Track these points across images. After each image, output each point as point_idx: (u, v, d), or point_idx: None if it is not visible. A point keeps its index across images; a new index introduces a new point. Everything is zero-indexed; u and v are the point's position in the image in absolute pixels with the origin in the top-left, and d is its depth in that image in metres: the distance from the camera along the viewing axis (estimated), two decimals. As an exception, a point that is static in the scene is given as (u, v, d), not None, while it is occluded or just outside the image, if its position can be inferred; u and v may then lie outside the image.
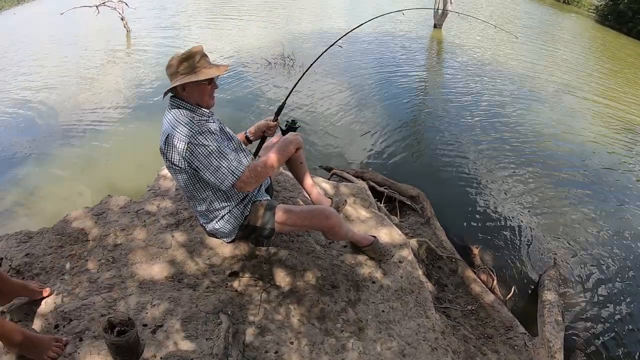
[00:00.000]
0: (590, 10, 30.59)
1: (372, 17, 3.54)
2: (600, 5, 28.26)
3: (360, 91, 8.95)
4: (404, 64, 11.19)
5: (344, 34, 3.17)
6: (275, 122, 2.67)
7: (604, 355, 3.47)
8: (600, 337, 3.64)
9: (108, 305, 2.10)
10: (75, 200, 5.02)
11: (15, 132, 7.54)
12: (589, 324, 3.75)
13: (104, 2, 16.38)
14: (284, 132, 2.63)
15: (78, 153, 6.67)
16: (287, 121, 2.67)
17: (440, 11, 15.77)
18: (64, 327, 1.97)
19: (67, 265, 2.39)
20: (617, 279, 4.28)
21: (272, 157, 2.22)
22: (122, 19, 16.44)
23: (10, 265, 2.33)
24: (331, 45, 3.10)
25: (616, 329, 3.74)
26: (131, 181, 4.78)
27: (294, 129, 2.65)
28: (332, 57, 11.46)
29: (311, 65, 3.04)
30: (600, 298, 4.04)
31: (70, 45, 16.54)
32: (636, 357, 3.49)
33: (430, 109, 8.29)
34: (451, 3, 15.27)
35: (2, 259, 2.39)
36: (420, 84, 9.81)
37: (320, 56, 3.06)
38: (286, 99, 2.75)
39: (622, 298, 4.06)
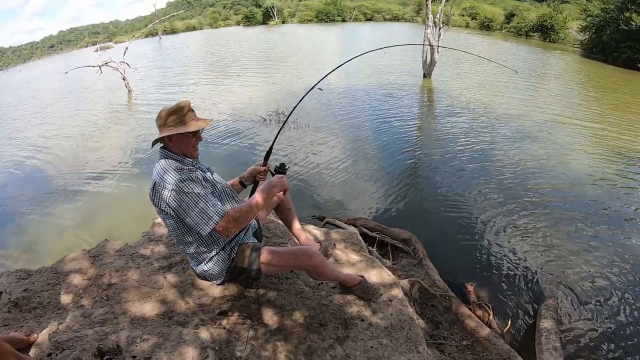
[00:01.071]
0: (575, 46, 31.90)
1: (350, 58, 3.81)
2: (585, 39, 29.51)
3: (353, 141, 9.37)
4: (395, 113, 11.77)
5: (323, 76, 3.42)
6: (264, 167, 2.91)
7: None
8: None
9: (100, 337, 2.27)
10: (76, 249, 5.37)
11: (20, 185, 8.04)
12: (590, 352, 3.82)
13: (106, 63, 17.36)
14: (273, 176, 2.82)
15: (80, 205, 7.17)
16: (277, 165, 2.88)
17: (428, 61, 16.54)
18: (56, 355, 2.15)
19: (63, 301, 2.57)
20: (617, 306, 4.38)
21: (254, 201, 2.43)
22: (123, 79, 17.30)
23: (9, 299, 2.54)
24: (311, 89, 3.33)
25: (617, 355, 3.81)
26: (129, 230, 5.05)
27: (283, 172, 2.85)
28: (324, 109, 12.05)
29: (294, 108, 3.30)
30: (601, 326, 4.13)
31: (73, 103, 17.44)
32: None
33: (421, 154, 8.66)
34: (438, 52, 16.11)
35: (1, 292, 2.60)
36: (410, 131, 10.23)
37: (301, 99, 3.32)
38: (273, 143, 2.99)
39: (622, 324, 4.14)
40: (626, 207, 6.51)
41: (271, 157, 2.98)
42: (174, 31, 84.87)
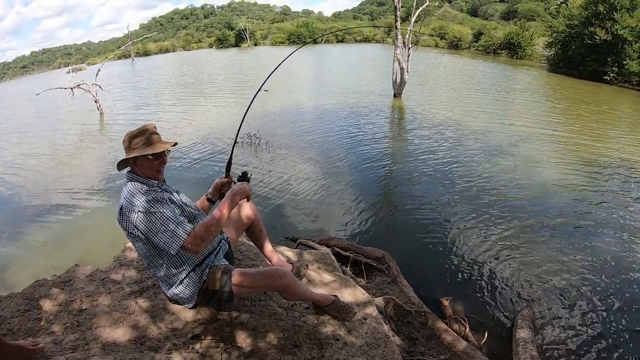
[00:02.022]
0: (542, 61, 33.10)
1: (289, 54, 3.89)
2: (551, 55, 30.67)
3: (325, 162, 9.53)
4: (367, 132, 12.05)
5: (266, 78, 3.49)
6: (227, 179, 2.95)
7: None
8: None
9: (71, 364, 2.26)
10: (47, 274, 5.36)
11: None
12: (568, 358, 3.95)
13: (78, 85, 17.23)
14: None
15: (51, 229, 7.13)
16: (239, 175, 2.90)
17: (398, 81, 16.95)
18: (27, 381, 2.14)
19: (34, 328, 2.55)
20: (591, 311, 4.55)
21: (217, 212, 2.48)
22: (95, 102, 17.19)
23: (-23, 326, 2.51)
24: (257, 92, 3.42)
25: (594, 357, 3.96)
26: (100, 254, 5.03)
27: (246, 180, 2.87)
28: (296, 130, 12.21)
29: (246, 112, 3.32)
30: (577, 332, 4.28)
31: (44, 125, 17.21)
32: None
33: (393, 173, 8.87)
34: (408, 72, 16.54)
35: None
36: (382, 150, 10.47)
37: (250, 104, 3.37)
38: (232, 153, 3.02)
39: (598, 329, 4.30)
40: (595, 213, 6.80)
41: (246, 169, 3.01)
42: (146, 53, 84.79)
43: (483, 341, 4.06)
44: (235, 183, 2.84)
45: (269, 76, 3.49)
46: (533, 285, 4.99)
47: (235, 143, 3.13)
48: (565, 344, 4.12)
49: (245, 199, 2.70)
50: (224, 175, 2.98)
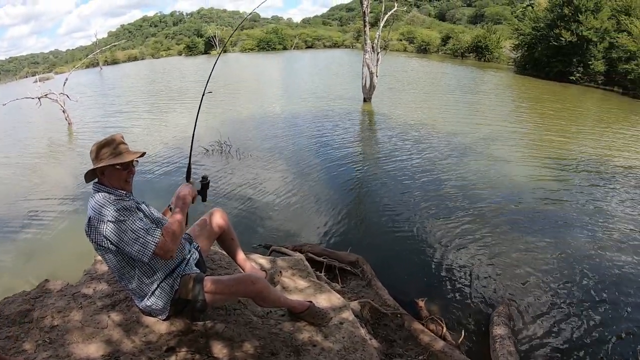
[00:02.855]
0: (509, 64, 34.03)
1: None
2: (517, 57, 31.56)
3: (297, 168, 9.56)
4: (337, 137, 12.15)
5: (207, 81, 3.44)
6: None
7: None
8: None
9: (45, 383, 2.21)
10: (16, 290, 5.23)
11: None
12: (545, 352, 4.06)
13: (45, 95, 16.83)
14: (200, 192, 2.84)
15: (19, 244, 6.94)
16: (199, 180, 2.89)
17: (367, 85, 17.14)
18: (-1, 401, 2.08)
19: (5, 346, 2.48)
20: (565, 305, 4.69)
21: (175, 215, 2.49)
22: (63, 112, 16.80)
23: (-53, 346, 2.43)
24: (202, 97, 3.32)
25: (572, 349, 4.09)
26: (71, 269, 4.90)
27: (207, 184, 2.87)
28: (267, 137, 12.23)
29: (196, 120, 3.31)
30: (553, 326, 4.40)
31: (12, 136, 16.72)
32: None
33: (365, 177, 8.95)
34: (377, 77, 16.74)
35: None
36: (353, 155, 10.58)
37: (199, 110, 3.28)
38: (190, 160, 2.97)
39: (573, 322, 4.44)
40: (564, 207, 7.07)
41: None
42: (115, 61, 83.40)
43: (460, 340, 4.13)
44: (197, 190, 2.84)
45: (209, 78, 3.48)
46: (508, 281, 5.10)
47: (192, 149, 3.11)
48: (542, 338, 4.23)
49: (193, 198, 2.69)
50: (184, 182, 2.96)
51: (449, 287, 5.05)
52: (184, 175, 2.91)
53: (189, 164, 2.95)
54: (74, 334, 2.61)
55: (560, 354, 4.03)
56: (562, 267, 5.36)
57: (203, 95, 3.30)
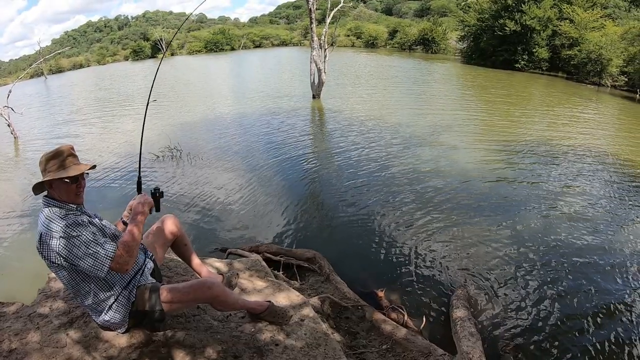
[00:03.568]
0: (455, 55, 35.02)
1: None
2: (464, 48, 32.53)
3: (249, 169, 9.53)
4: (288, 136, 12.19)
5: (150, 90, 3.45)
6: None
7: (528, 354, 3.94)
8: (522, 337, 4.14)
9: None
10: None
11: None
12: (505, 331, 4.23)
13: None
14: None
15: None
16: (151, 190, 2.84)
17: (316, 82, 17.23)
18: None
19: None
20: (521, 284, 4.91)
21: (132, 227, 2.44)
22: (8, 125, 16.08)
23: None
24: (147, 105, 3.40)
25: (532, 325, 4.29)
26: (24, 289, 4.71)
27: (160, 195, 2.83)
28: (218, 140, 12.11)
29: (142, 130, 3.28)
30: (510, 305, 4.59)
31: None
32: (554, 347, 4.00)
33: (317, 173, 9.03)
34: (325, 73, 16.83)
35: None
36: (305, 152, 10.64)
37: (144, 119, 3.30)
38: (139, 172, 2.95)
39: (529, 300, 4.65)
40: (515, 192, 7.37)
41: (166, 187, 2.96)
42: (60, 70, 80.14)
43: (422, 325, 4.26)
44: None
45: (152, 88, 3.47)
46: (464, 264, 5.29)
47: (140, 160, 3.06)
48: (501, 317, 4.41)
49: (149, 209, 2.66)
50: (136, 194, 2.92)
51: (407, 275, 5.17)
52: (135, 187, 2.89)
53: (139, 176, 2.92)
54: (34, 356, 2.54)
55: (519, 331, 4.21)
56: (516, 246, 5.62)
57: (147, 104, 3.27)
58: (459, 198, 7.15)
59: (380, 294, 4.63)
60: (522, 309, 4.52)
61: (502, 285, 4.90)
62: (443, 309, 4.55)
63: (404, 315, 4.28)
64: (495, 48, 27.73)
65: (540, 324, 4.30)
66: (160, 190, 2.85)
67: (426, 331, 4.23)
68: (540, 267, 5.18)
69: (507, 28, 26.34)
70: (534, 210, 6.67)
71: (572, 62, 23.92)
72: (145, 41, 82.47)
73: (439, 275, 5.13)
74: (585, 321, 4.32)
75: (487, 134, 10.92)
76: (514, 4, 26.58)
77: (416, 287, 4.94)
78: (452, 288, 4.85)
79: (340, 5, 19.22)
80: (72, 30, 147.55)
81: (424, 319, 4.35)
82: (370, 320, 4.07)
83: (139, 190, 2.88)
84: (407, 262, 5.44)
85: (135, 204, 2.60)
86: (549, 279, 4.96)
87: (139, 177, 2.91)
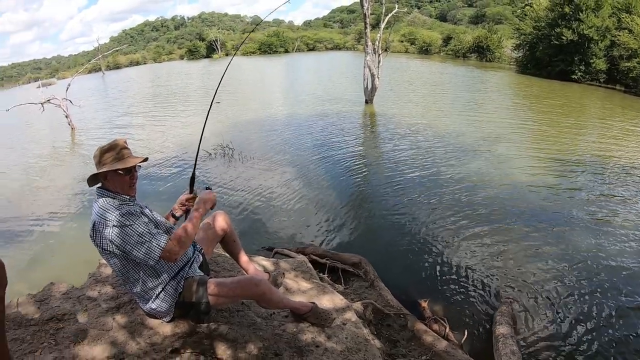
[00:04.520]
0: (510, 63, 33.97)
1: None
2: (519, 56, 31.52)
3: (299, 171, 9.58)
4: (340, 140, 12.16)
5: (215, 90, 3.51)
6: (191, 194, 2.95)
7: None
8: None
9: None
10: (21, 294, 5.28)
11: None
12: (547, 351, 4.06)
13: (48, 100, 16.91)
14: None
15: (24, 249, 6.99)
16: (203, 189, 2.89)
17: (369, 87, 17.14)
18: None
19: (11, 349, 2.50)
20: (567, 304, 4.69)
21: (189, 221, 2.52)
22: (66, 117, 16.89)
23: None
24: (210, 106, 3.38)
25: (574, 349, 4.09)
26: (75, 272, 4.94)
27: None
28: (269, 140, 12.25)
29: (204, 125, 3.34)
30: (555, 325, 4.40)
31: (15, 142, 16.82)
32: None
33: (367, 178, 8.98)
34: (378, 78, 16.75)
35: None
36: (355, 157, 10.59)
37: (207, 117, 3.38)
38: (194, 169, 3.06)
39: (575, 321, 4.44)
40: (568, 210, 7.00)
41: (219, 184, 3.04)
42: (117, 66, 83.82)
43: (463, 339, 4.14)
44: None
45: (217, 88, 3.52)
46: (511, 281, 5.11)
47: (197, 158, 3.15)
48: (545, 338, 4.23)
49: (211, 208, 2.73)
50: (187, 190, 2.99)
51: (452, 287, 5.06)
52: (188, 184, 2.98)
53: (193, 173, 3.01)
54: (79, 336, 2.64)
55: (562, 354, 4.03)
56: (565, 267, 5.36)
57: (211, 105, 3.35)
58: (508, 210, 6.92)
59: (424, 304, 4.56)
60: (566, 331, 4.32)
61: (547, 305, 4.70)
62: (486, 324, 4.42)
63: (445, 328, 4.19)
64: (552, 58, 26.64)
65: (584, 347, 4.10)
66: (211, 189, 2.90)
67: (467, 345, 4.11)
68: (590, 290, 4.91)
69: (563, 37, 25.27)
70: (584, 228, 6.36)
71: (630, 75, 22.77)
72: (201, 41, 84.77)
73: (483, 289, 4.99)
74: (636, 350, 4.08)
75: (539, 145, 10.54)
76: (571, 12, 25.45)
77: (460, 299, 4.83)
78: (497, 304, 4.70)
79: (394, 11, 19.07)
80: (130, 28, 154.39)
81: (466, 332, 4.23)
82: (411, 329, 4.01)
83: (192, 186, 2.97)
84: (452, 273, 5.32)
85: (201, 197, 2.68)
86: (597, 303, 4.69)
87: (193, 174, 3.00)
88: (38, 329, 2.72)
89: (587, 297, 4.80)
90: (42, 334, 2.67)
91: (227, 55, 77.03)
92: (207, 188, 2.87)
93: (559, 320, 4.47)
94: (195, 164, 3.12)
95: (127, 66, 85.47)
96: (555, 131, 11.88)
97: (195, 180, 3.01)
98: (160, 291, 2.54)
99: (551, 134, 11.66)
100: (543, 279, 5.14)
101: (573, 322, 4.43)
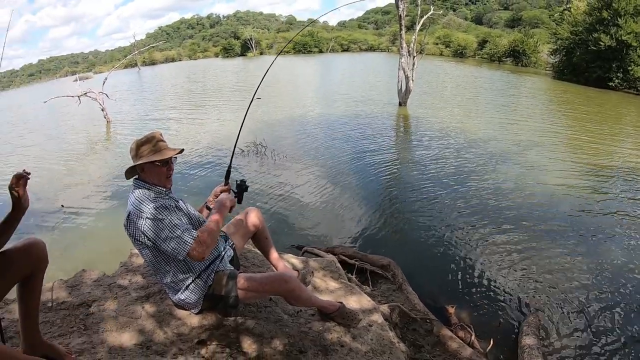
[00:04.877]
0: (546, 69, 33.07)
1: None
2: (555, 62, 30.66)
3: (331, 170, 9.58)
4: (372, 141, 12.08)
5: (257, 86, 3.56)
6: (226, 187, 2.97)
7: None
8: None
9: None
10: (53, 279, 5.42)
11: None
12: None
13: (85, 93, 17.42)
14: (236, 194, 2.91)
15: (57, 235, 7.19)
16: (237, 181, 2.95)
17: (403, 89, 17.00)
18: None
19: (40, 331, 2.57)
20: (596, 319, 4.53)
21: (212, 221, 2.53)
22: (102, 110, 17.38)
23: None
24: (251, 101, 3.44)
25: None
26: (107, 260, 5.05)
27: (245, 188, 2.93)
28: (302, 139, 12.29)
29: (242, 122, 3.36)
30: (583, 340, 4.25)
31: (52, 133, 17.40)
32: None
33: (398, 181, 8.89)
34: (413, 81, 16.59)
35: None
36: (387, 159, 10.49)
37: (247, 111, 3.41)
38: (230, 162, 3.07)
39: (603, 336, 4.28)
40: (601, 220, 6.78)
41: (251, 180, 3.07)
42: (153, 62, 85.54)
43: (489, 348, 4.06)
44: (233, 191, 2.91)
45: (260, 83, 3.61)
46: (539, 292, 4.97)
47: (234, 151, 3.18)
48: (571, 352, 4.10)
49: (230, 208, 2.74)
50: (223, 182, 3.02)
51: (479, 294, 4.96)
52: (224, 176, 3.01)
53: (229, 166, 3.04)
54: (109, 323, 2.69)
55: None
56: (596, 281, 5.17)
57: (252, 100, 3.39)
58: (540, 220, 6.73)
59: (451, 310, 4.48)
60: (594, 346, 4.16)
61: (576, 317, 4.55)
62: (512, 334, 4.31)
63: (471, 335, 4.11)
64: (589, 64, 25.70)
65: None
66: (246, 184, 2.94)
67: (492, 354, 4.01)
68: (620, 304, 4.72)
69: (601, 43, 24.36)
70: (616, 239, 6.12)
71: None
72: (236, 39, 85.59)
73: (511, 298, 4.87)
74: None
75: (577, 156, 10.21)
76: (609, 17, 24.55)
77: (487, 307, 4.72)
78: (524, 314, 4.58)
79: (430, 13, 18.84)
80: (166, 25, 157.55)
81: (492, 341, 4.13)
82: (437, 335, 3.95)
83: (227, 179, 3.00)
84: (479, 280, 5.22)
85: (221, 199, 2.71)
86: (628, 318, 4.51)
87: (229, 167, 3.03)
88: (68, 314, 2.79)
89: (617, 311, 4.62)
90: (72, 319, 2.74)
91: (261, 54, 77.60)
92: (242, 181, 2.91)
93: (587, 334, 4.32)
94: (232, 156, 3.15)
95: (163, 62, 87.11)
96: (589, 138, 11.53)
97: (233, 172, 3.04)
98: (190, 283, 2.57)
99: (584, 141, 11.32)
100: (572, 290, 4.98)
101: (602, 337, 4.28)
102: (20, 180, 1.99)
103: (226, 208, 2.66)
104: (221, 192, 2.94)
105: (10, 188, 1.98)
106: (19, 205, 2.02)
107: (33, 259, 2.14)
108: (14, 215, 2.05)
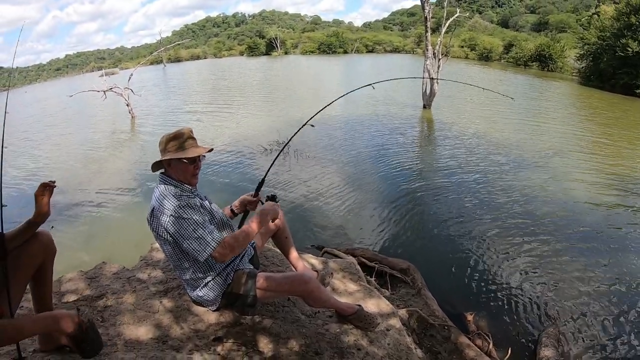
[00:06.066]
0: (573, 74, 32.30)
1: (341, 95, 3.92)
2: (582, 67, 29.92)
3: (353, 172, 9.53)
4: (395, 144, 11.98)
5: (315, 114, 3.54)
6: (255, 197, 2.96)
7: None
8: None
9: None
10: (73, 270, 5.51)
11: (21, 205, 8.02)
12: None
13: (110, 88, 17.78)
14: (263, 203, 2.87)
15: (80, 227, 7.31)
16: (268, 196, 2.90)
17: (428, 92, 16.79)
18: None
19: None
20: (618, 332, 4.38)
21: (249, 228, 2.49)
22: (127, 105, 17.70)
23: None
24: (302, 126, 3.47)
25: None
26: (127, 254, 5.10)
27: (274, 202, 2.87)
28: (325, 140, 12.23)
29: (287, 143, 3.37)
30: (603, 353, 4.12)
31: (77, 126, 17.74)
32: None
33: (420, 184, 8.75)
34: (437, 83, 16.39)
35: None
36: (410, 162, 10.38)
37: (293, 135, 3.39)
38: (265, 175, 3.07)
39: (624, 350, 4.15)
40: (624, 232, 6.56)
41: (264, 187, 3.04)
42: (178, 59, 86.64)
43: (506, 358, 3.97)
44: (262, 203, 2.87)
45: (318, 112, 3.62)
46: (560, 302, 4.83)
47: (271, 166, 3.19)
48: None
49: (272, 220, 2.73)
50: (252, 192, 2.99)
51: (499, 303, 4.85)
52: (255, 187, 3.01)
53: (263, 178, 3.03)
54: (126, 316, 2.70)
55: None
56: (618, 294, 5.00)
57: (303, 125, 3.53)
58: (564, 230, 6.54)
59: (470, 317, 4.39)
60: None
61: (597, 330, 4.40)
62: (530, 344, 4.21)
63: (489, 344, 4.01)
64: (616, 70, 24.89)
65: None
66: (277, 198, 2.89)
67: (509, 364, 3.95)
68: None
69: (629, 49, 23.64)
70: (641, 251, 5.92)
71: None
72: (261, 38, 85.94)
73: (531, 307, 4.75)
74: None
75: (603, 166, 9.89)
76: (637, 23, 23.84)
77: (506, 317, 4.61)
78: (543, 325, 4.46)
79: (456, 15, 18.63)
80: (192, 23, 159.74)
81: (510, 351, 4.03)
82: (454, 342, 3.87)
83: (258, 190, 2.99)
84: (500, 290, 5.10)
85: (266, 205, 2.68)
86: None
87: (263, 179, 3.03)
88: (86, 305, 2.80)
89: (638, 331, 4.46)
90: (89, 310, 2.75)
91: (285, 53, 77.79)
92: (272, 196, 2.86)
93: (608, 349, 4.18)
94: (268, 171, 3.16)
95: (188, 60, 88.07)
96: (619, 150, 11.19)
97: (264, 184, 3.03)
98: (210, 280, 2.55)
99: (613, 153, 10.99)
100: (594, 303, 4.83)
101: (623, 352, 4.13)
102: (46, 188, 2.03)
103: (266, 219, 2.63)
104: (248, 202, 2.94)
105: (36, 195, 2.02)
106: (41, 212, 2.06)
107: (44, 247, 2.16)
108: (35, 221, 2.08)
